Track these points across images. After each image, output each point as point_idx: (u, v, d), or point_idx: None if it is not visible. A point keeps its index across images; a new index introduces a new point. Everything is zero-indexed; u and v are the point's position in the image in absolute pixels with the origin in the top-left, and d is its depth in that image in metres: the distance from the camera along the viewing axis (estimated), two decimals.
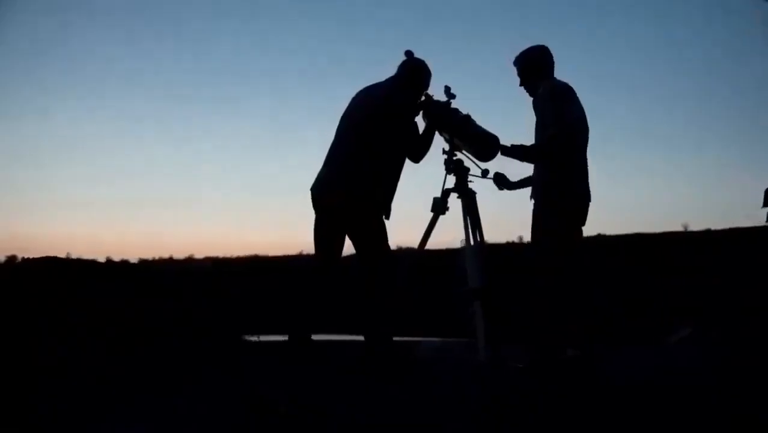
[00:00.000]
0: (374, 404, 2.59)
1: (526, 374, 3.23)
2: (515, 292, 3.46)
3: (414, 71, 3.62)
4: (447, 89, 3.52)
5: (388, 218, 3.54)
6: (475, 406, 2.55)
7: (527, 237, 3.58)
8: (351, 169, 3.47)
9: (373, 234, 3.50)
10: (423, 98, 3.62)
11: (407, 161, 3.61)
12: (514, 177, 3.66)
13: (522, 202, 3.55)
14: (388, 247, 3.55)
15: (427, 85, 3.66)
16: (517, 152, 3.49)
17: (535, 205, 3.50)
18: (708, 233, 15.92)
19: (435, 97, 3.60)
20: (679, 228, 17.03)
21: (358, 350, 3.57)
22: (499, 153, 3.50)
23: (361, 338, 3.57)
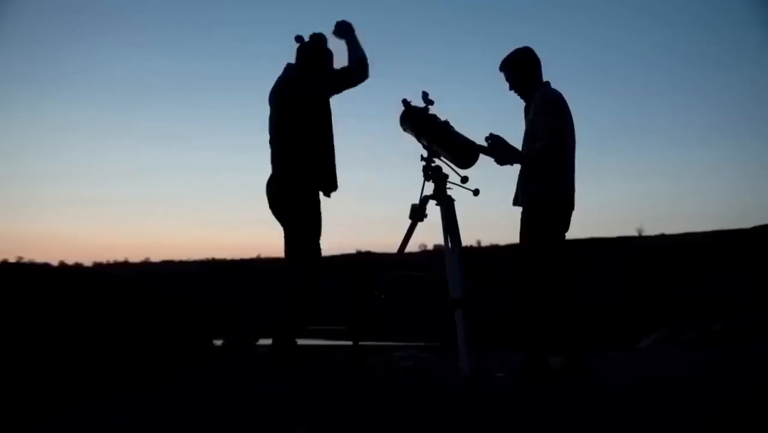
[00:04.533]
0: (374, 404, 2.60)
1: (511, 381, 3.20)
2: (492, 297, 3.42)
3: (306, 51, 3.67)
4: (425, 95, 3.45)
5: (334, 190, 3.63)
6: (474, 407, 2.57)
7: (485, 241, 3.56)
8: (280, 161, 3.62)
9: (299, 225, 3.56)
10: (403, 106, 3.56)
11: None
12: (500, 181, 3.62)
13: (481, 207, 3.50)
14: (318, 245, 3.59)
15: (323, 48, 3.71)
16: (506, 151, 3.42)
17: (523, 211, 3.50)
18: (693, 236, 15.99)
19: (413, 103, 3.53)
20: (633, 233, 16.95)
21: (347, 356, 3.56)
22: (483, 152, 3.42)
23: (345, 343, 3.55)
